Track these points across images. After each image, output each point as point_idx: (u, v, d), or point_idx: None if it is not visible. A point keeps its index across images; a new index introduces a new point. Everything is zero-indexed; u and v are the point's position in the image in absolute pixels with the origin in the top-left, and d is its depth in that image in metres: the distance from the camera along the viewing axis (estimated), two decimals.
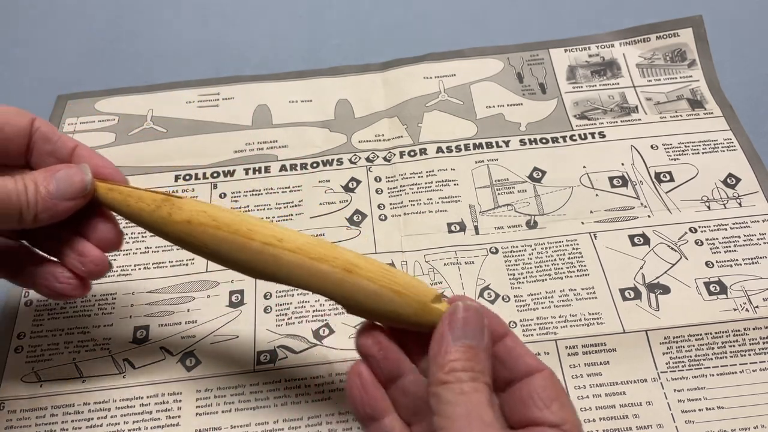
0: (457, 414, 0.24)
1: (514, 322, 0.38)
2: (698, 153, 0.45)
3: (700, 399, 0.35)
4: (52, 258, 0.32)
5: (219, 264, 0.30)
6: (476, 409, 0.24)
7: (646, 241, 0.41)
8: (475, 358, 0.25)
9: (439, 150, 0.46)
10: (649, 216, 0.43)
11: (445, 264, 0.41)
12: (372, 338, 0.28)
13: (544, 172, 0.45)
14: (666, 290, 0.39)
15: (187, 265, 0.41)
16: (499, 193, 0.44)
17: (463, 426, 0.24)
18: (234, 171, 0.46)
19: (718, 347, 0.37)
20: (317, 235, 0.43)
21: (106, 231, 0.32)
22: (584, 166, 0.45)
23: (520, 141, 0.47)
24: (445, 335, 0.26)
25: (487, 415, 0.24)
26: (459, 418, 0.24)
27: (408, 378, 0.28)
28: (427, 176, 0.45)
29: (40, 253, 0.33)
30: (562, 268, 0.40)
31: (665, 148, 0.46)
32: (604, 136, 0.47)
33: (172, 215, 0.30)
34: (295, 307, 0.40)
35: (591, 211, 0.43)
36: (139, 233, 0.43)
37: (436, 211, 0.43)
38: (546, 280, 0.40)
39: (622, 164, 0.45)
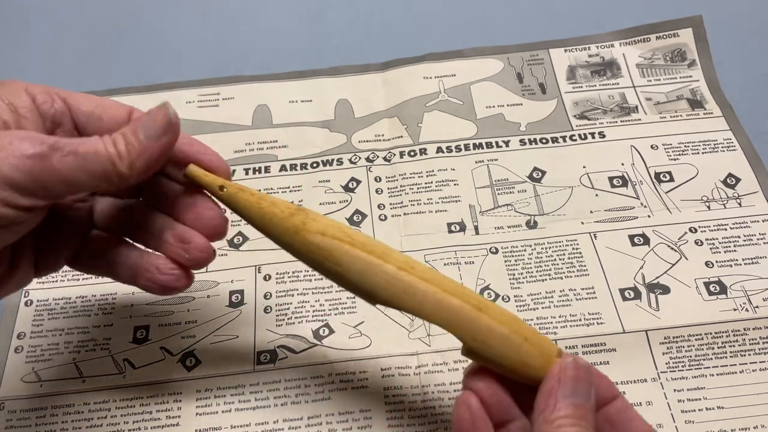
0: None
1: None
2: (698, 153, 0.45)
3: (700, 399, 0.35)
4: (152, 251, 0.31)
5: (343, 286, 0.29)
6: None
7: (646, 241, 0.41)
8: (583, 417, 0.25)
9: (439, 150, 0.46)
10: (649, 216, 0.43)
11: (445, 264, 0.41)
12: (483, 382, 0.27)
13: (544, 172, 0.45)
14: (666, 290, 0.39)
15: None
16: (499, 193, 0.44)
17: None
18: (234, 171, 0.46)
19: (718, 347, 0.37)
20: None
21: (211, 217, 0.30)
22: (584, 166, 0.45)
23: (520, 141, 0.47)
24: (554, 391, 0.25)
25: None
26: None
27: (516, 423, 0.27)
28: (427, 176, 0.45)
29: (140, 246, 0.32)
30: (562, 268, 0.40)
31: (665, 148, 0.46)
32: (604, 136, 0.47)
33: (306, 224, 0.28)
34: (295, 307, 0.40)
35: (591, 211, 0.43)
36: None
37: (436, 211, 0.43)
38: (546, 280, 0.40)
39: (622, 164, 0.45)
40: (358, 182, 0.45)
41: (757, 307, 0.38)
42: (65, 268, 0.32)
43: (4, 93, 0.28)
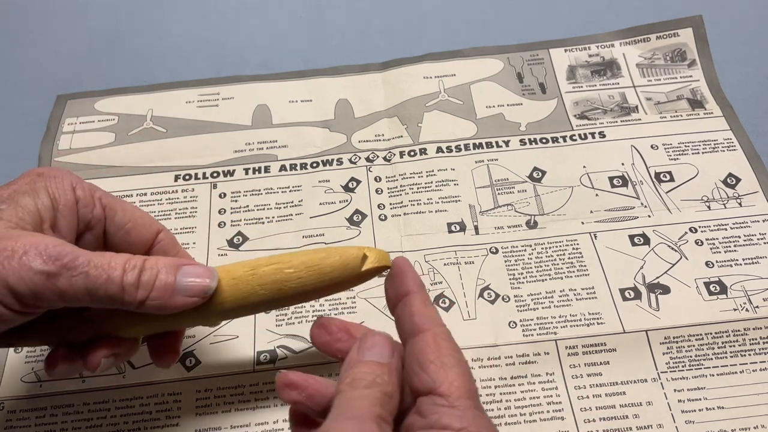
0: (338, 413, 0.23)
1: (514, 322, 0.38)
2: (698, 153, 0.45)
3: (700, 399, 0.35)
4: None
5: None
6: (360, 407, 0.23)
7: (646, 241, 0.41)
8: (379, 373, 0.25)
9: (439, 150, 0.46)
10: (649, 216, 0.43)
11: (445, 264, 0.41)
12: (292, 387, 0.28)
13: (544, 172, 0.45)
14: (666, 290, 0.39)
15: None
16: (499, 193, 0.44)
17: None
18: (234, 171, 0.46)
19: (718, 347, 0.37)
20: (316, 236, 0.42)
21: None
22: (584, 166, 0.45)
23: (520, 141, 0.47)
24: (353, 355, 0.26)
25: (369, 411, 0.23)
26: (336, 417, 0.23)
27: None
28: (427, 176, 0.45)
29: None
30: (562, 268, 0.40)
31: (665, 148, 0.46)
32: (604, 136, 0.47)
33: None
34: (295, 307, 0.40)
35: (591, 211, 0.43)
36: None
37: (436, 211, 0.43)
38: (546, 280, 0.40)
39: (622, 164, 0.45)
40: (358, 182, 0.45)
41: (757, 307, 0.38)
42: None
43: (52, 185, 0.29)
